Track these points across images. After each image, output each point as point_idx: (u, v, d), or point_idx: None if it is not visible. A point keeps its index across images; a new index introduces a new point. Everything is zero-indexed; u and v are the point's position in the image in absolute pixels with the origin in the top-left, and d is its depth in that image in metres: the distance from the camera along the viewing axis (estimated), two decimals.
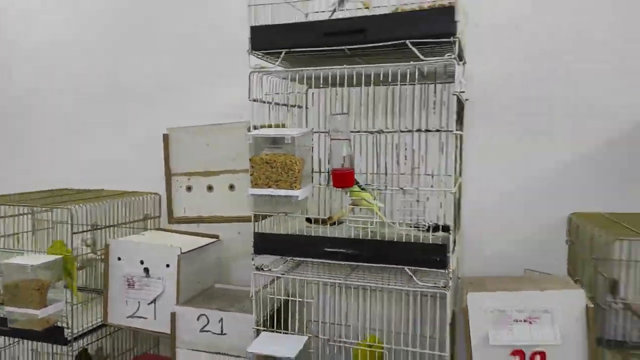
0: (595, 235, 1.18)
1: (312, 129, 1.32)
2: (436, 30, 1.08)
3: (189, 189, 1.43)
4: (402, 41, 1.11)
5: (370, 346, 1.35)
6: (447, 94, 1.43)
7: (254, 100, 1.24)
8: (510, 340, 1.11)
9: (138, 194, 1.80)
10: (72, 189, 1.96)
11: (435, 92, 1.43)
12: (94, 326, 1.61)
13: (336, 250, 1.21)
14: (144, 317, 1.56)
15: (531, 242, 1.49)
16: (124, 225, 1.72)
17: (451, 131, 1.14)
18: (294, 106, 1.42)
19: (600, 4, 1.42)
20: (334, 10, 1.28)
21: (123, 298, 1.57)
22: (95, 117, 2.03)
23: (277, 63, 1.25)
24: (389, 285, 1.20)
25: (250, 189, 1.19)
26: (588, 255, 1.23)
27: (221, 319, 1.42)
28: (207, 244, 1.64)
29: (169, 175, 1.43)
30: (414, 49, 1.11)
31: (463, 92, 1.39)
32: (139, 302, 1.56)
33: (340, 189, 1.20)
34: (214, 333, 1.43)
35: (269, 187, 1.16)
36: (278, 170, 1.15)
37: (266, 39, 1.22)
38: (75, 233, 1.52)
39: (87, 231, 1.65)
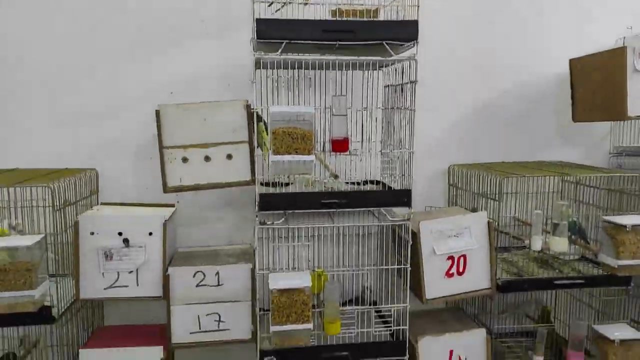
0: (482, 175, 1.83)
1: (315, 107, 1.63)
2: (405, 35, 1.52)
3: (184, 160, 1.56)
4: (380, 42, 1.51)
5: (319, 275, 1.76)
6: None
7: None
8: (447, 249, 1.68)
9: (74, 172, 1.76)
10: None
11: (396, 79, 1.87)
12: (68, 304, 1.60)
13: (330, 201, 1.58)
14: (124, 286, 1.62)
15: (423, 186, 2.10)
16: (75, 204, 1.69)
17: (414, 110, 1.61)
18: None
19: None
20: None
21: (98, 272, 1.60)
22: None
23: (279, 51, 1.50)
24: (369, 224, 1.64)
25: (272, 156, 1.45)
26: (476, 191, 1.88)
27: (217, 273, 1.63)
28: (172, 213, 1.77)
29: (161, 148, 1.53)
30: (387, 47, 1.53)
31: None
32: (117, 272, 1.62)
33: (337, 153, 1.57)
34: (211, 286, 1.63)
35: (290, 154, 1.45)
36: (298, 140, 1.45)
37: (271, 31, 1.46)
38: (57, 210, 1.49)
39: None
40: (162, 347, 1.61)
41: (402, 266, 1.66)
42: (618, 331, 1.74)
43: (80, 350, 1.57)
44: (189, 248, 1.88)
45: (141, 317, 1.93)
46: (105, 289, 1.61)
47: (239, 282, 1.63)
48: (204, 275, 1.63)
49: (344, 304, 1.77)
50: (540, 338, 1.81)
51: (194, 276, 1.62)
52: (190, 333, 1.64)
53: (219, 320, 1.65)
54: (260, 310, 1.65)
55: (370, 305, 1.88)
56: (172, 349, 1.64)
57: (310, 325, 1.53)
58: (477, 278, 1.72)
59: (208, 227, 1.97)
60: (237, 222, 1.98)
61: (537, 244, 1.72)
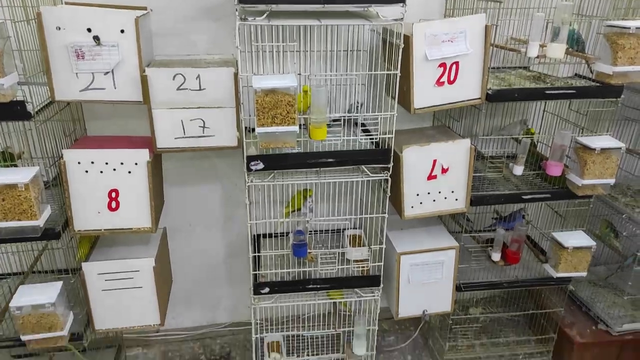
0: None
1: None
2: None
3: None
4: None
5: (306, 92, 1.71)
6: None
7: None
8: (440, 55, 1.60)
9: None
10: None
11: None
12: (45, 103, 1.53)
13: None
14: (101, 89, 1.55)
15: None
16: None
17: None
18: None
19: None
20: None
21: (70, 72, 1.51)
22: None
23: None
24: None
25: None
26: None
27: (198, 76, 1.55)
28: (145, 14, 1.62)
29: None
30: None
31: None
32: (92, 74, 1.53)
33: None
34: (192, 90, 1.56)
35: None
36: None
37: None
38: None
39: None
40: (147, 149, 1.59)
41: (392, 72, 1.59)
42: (600, 141, 1.76)
43: (63, 151, 1.54)
44: (167, 56, 1.77)
45: (125, 130, 1.90)
46: (81, 90, 1.54)
47: (222, 87, 1.56)
48: (184, 79, 1.55)
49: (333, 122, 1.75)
50: (522, 149, 1.83)
51: (173, 79, 1.54)
52: (175, 138, 1.62)
53: (204, 126, 1.62)
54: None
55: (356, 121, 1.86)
56: (157, 153, 1.63)
57: (296, 128, 1.50)
58: (467, 88, 1.68)
59: (183, 39, 1.83)
60: (216, 35, 1.84)
61: (533, 50, 1.64)
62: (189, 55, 1.81)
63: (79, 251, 1.79)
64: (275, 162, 1.62)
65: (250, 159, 1.60)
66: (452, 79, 1.65)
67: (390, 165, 1.69)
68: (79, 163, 1.57)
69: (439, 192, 1.81)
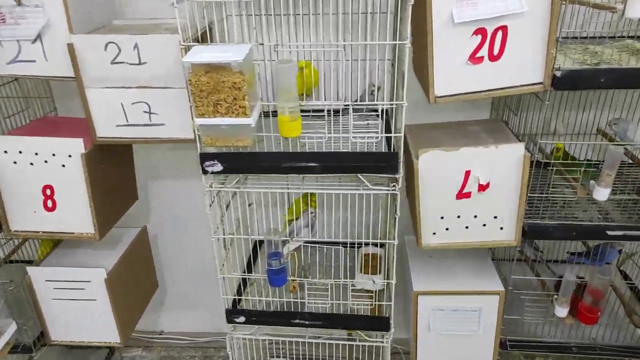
0: None
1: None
2: None
3: None
4: None
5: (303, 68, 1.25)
6: None
7: None
8: (475, 15, 1.04)
9: None
10: None
11: None
12: None
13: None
14: (31, 61, 1.25)
15: None
16: None
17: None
18: None
19: None
20: None
21: None
22: None
23: None
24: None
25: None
26: None
27: (136, 45, 1.17)
28: None
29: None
30: None
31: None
32: (18, 42, 1.23)
33: None
34: (131, 64, 1.20)
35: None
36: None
37: None
38: None
39: None
40: (81, 139, 1.27)
41: (398, 42, 1.08)
42: None
43: None
44: (127, 21, 1.42)
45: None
46: (8, 63, 1.25)
47: (167, 60, 1.18)
48: (119, 49, 1.18)
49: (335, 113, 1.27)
50: (610, 163, 1.21)
51: (105, 49, 1.19)
52: (117, 126, 1.28)
53: (149, 112, 1.25)
54: None
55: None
56: (98, 143, 1.30)
57: (249, 120, 1.07)
58: (521, 66, 1.10)
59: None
60: None
61: (636, 7, 1.00)
62: (155, 18, 1.43)
63: (39, 249, 1.56)
64: (237, 163, 1.21)
65: (205, 157, 1.21)
66: (495, 52, 1.08)
67: (399, 175, 1.19)
68: (5, 152, 1.30)
69: (475, 217, 1.26)
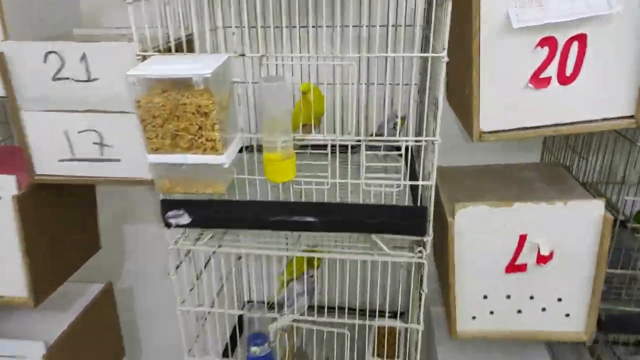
0: None
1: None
2: None
3: None
4: None
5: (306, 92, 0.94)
6: None
7: None
8: (541, 18, 0.73)
9: None
10: None
11: None
12: None
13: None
14: None
15: None
16: None
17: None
18: None
19: None
20: None
21: None
22: None
23: None
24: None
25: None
26: None
27: (84, 56, 0.90)
28: None
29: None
30: None
31: None
32: None
33: None
34: (77, 80, 0.92)
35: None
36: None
37: None
38: None
39: None
40: (14, 177, 0.99)
41: (430, 54, 0.77)
42: None
43: None
44: (91, 30, 1.14)
45: None
46: None
47: (123, 76, 0.89)
48: (62, 61, 0.91)
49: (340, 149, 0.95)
50: None
51: (45, 60, 0.91)
52: (60, 160, 0.99)
53: (101, 144, 0.96)
54: None
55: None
56: (36, 182, 1.01)
57: (221, 159, 0.77)
58: (602, 92, 0.79)
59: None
60: None
61: None
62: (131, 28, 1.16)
63: None
64: (211, 214, 0.91)
65: (168, 205, 0.91)
66: (568, 72, 0.77)
67: (429, 237, 0.87)
68: None
69: (531, 297, 0.92)
